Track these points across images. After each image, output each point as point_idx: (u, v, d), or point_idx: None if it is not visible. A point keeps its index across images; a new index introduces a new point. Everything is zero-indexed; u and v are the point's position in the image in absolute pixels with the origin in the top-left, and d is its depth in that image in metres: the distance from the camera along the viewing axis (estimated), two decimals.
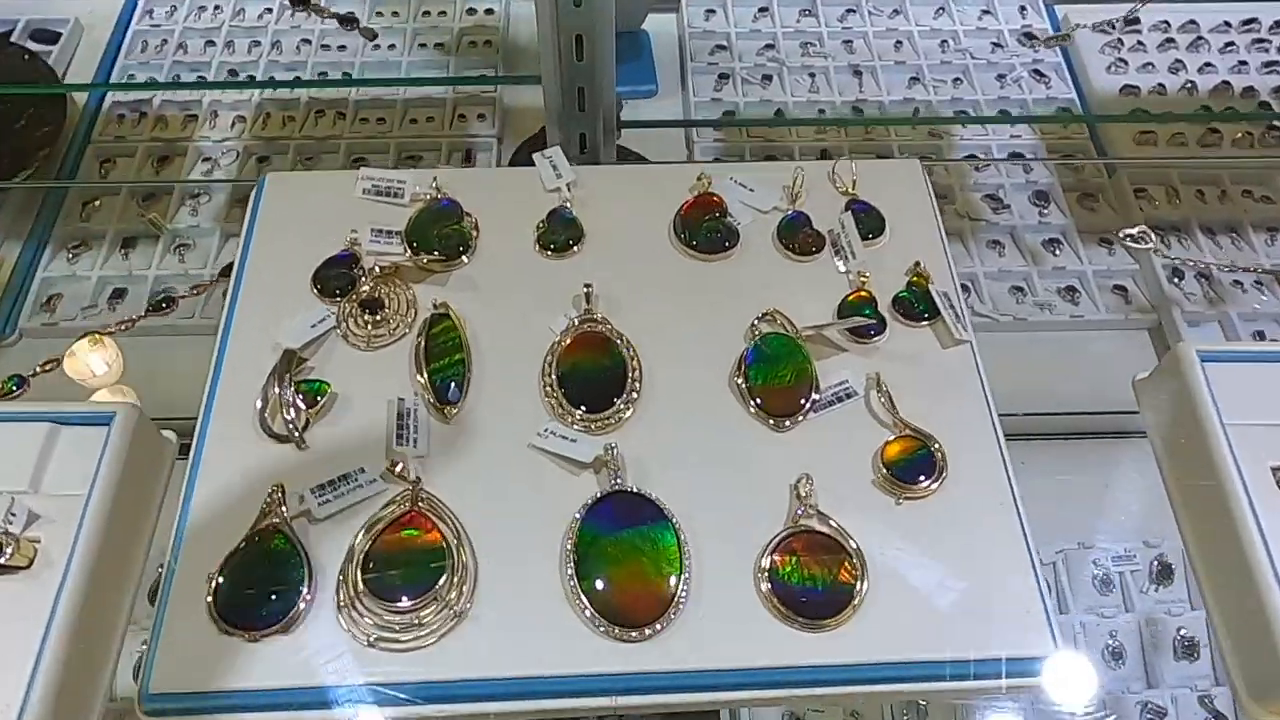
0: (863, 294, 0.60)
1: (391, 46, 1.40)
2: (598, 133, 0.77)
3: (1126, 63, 1.37)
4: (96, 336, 0.79)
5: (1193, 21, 1.40)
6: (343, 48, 1.33)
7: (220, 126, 1.35)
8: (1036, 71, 1.39)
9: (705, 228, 0.63)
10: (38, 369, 0.66)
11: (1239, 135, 1.32)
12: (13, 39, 1.29)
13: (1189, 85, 1.35)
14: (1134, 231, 0.72)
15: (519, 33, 1.41)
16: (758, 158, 1.27)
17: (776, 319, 0.58)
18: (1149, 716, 0.94)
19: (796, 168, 0.65)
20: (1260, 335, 1.15)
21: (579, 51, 0.70)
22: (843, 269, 0.62)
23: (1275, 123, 1.29)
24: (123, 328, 0.73)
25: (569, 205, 0.64)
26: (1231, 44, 1.41)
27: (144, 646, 0.58)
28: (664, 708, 0.58)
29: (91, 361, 0.78)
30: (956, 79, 1.39)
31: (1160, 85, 1.35)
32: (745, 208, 0.64)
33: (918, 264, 0.62)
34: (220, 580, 0.49)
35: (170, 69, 1.41)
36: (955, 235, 1.20)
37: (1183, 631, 0.96)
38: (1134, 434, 0.92)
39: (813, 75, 1.37)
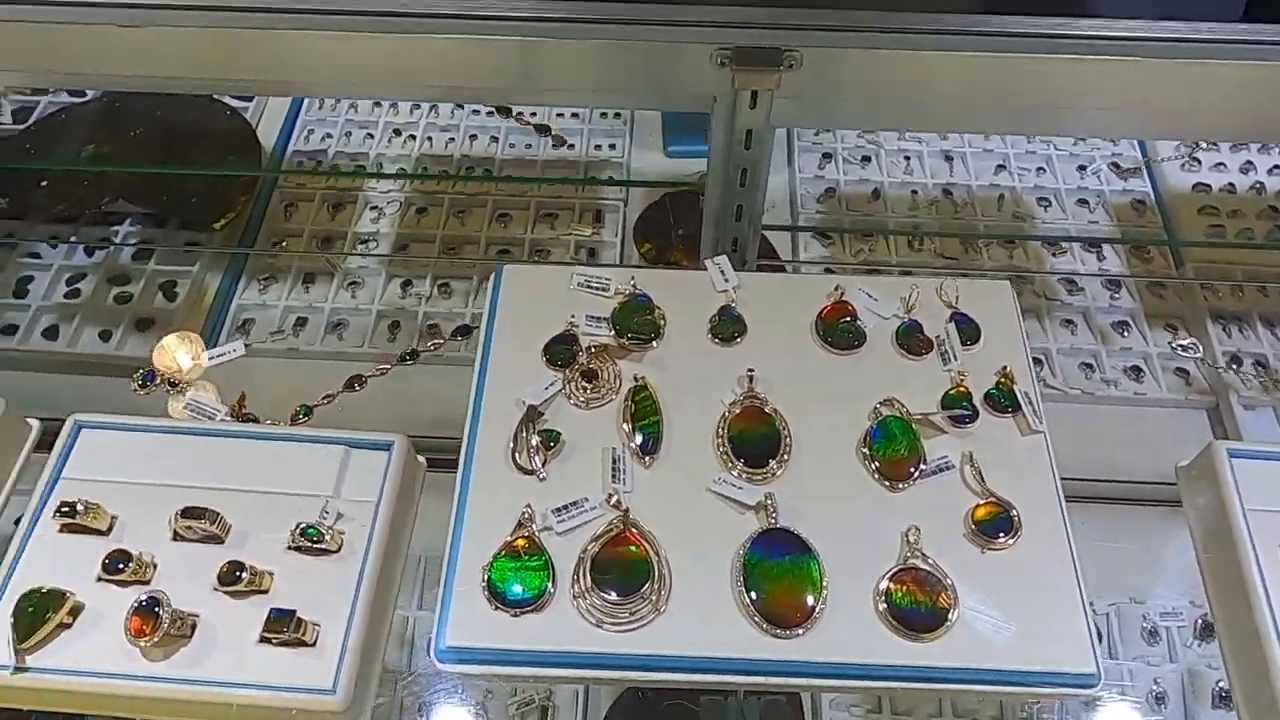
0: (961, 389, 0.77)
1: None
2: (747, 236, 0.97)
3: (1200, 161, 1.51)
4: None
5: None
6: (491, 112, 1.51)
7: (384, 181, 1.53)
8: (1115, 164, 1.54)
9: (839, 329, 0.81)
10: (322, 400, 0.87)
11: None
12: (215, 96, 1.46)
13: (1258, 186, 1.49)
14: (1185, 342, 0.88)
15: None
16: (855, 231, 1.44)
17: (894, 405, 0.76)
18: None
19: (912, 284, 0.83)
20: None
21: (742, 180, 0.90)
22: (946, 368, 0.79)
23: None
24: (380, 372, 0.92)
25: (734, 305, 0.83)
26: None
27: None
28: (797, 688, 0.76)
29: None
30: (1040, 168, 1.55)
31: (1230, 184, 1.49)
32: (870, 314, 0.82)
33: (1005, 368, 0.79)
34: (491, 571, 0.69)
35: (343, 125, 1.63)
36: (1032, 313, 1.34)
37: (1220, 684, 1.09)
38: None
39: (908, 158, 1.54)
